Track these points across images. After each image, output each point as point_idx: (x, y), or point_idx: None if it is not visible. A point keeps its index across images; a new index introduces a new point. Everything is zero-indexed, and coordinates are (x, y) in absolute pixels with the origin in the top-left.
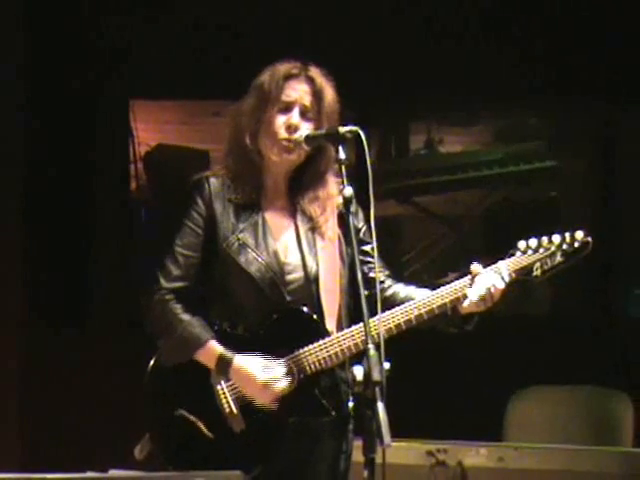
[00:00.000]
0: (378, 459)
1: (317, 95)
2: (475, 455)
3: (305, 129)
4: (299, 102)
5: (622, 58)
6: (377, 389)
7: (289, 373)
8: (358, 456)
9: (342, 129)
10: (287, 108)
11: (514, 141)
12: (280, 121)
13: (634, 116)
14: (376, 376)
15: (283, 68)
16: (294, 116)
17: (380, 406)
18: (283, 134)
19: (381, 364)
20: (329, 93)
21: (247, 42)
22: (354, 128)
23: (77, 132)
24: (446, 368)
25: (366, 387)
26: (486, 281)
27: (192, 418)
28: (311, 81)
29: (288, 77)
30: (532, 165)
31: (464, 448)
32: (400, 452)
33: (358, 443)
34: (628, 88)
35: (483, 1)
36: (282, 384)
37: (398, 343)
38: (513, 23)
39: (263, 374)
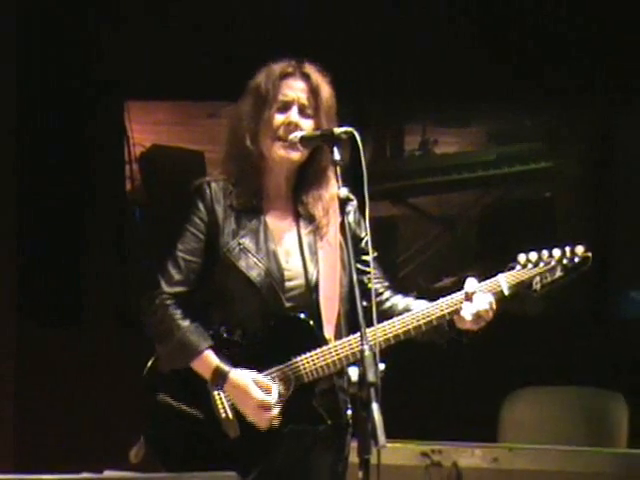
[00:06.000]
0: (373, 460)
1: (314, 92)
2: (470, 456)
3: (305, 126)
4: (296, 101)
5: (618, 58)
6: (372, 390)
7: (285, 381)
8: (353, 457)
9: (337, 130)
10: (285, 107)
11: (509, 142)
12: (279, 120)
13: (630, 116)
14: (371, 377)
15: (278, 67)
16: (293, 114)
17: (375, 407)
18: (283, 133)
19: (376, 365)
20: (325, 89)
21: (243, 43)
22: (349, 129)
23: (72, 132)
24: (441, 369)
25: (361, 388)
26: (480, 301)
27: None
28: (307, 78)
29: (284, 76)
30: (527, 166)
31: (459, 449)
32: (395, 453)
33: (353, 444)
34: (624, 88)
35: (479, 1)
36: (275, 412)
37: (393, 344)
38: (509, 24)
39: (259, 394)
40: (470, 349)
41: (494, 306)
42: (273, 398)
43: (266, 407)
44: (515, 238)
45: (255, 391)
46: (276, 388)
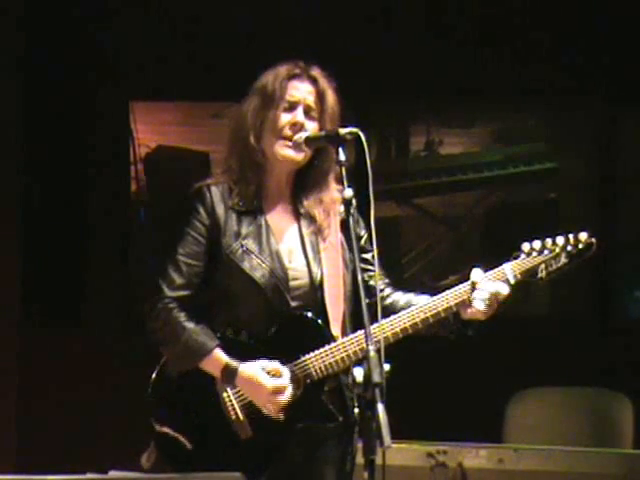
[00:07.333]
0: (378, 460)
1: (320, 95)
2: (475, 456)
3: (309, 128)
4: (302, 101)
5: (621, 58)
6: (377, 390)
7: (295, 379)
8: (358, 457)
9: (342, 131)
10: (291, 107)
11: (514, 142)
12: (285, 120)
13: (633, 117)
14: (376, 377)
15: (286, 68)
16: (299, 114)
17: (380, 407)
18: (288, 132)
19: (381, 365)
20: (330, 94)
21: (247, 44)
22: (354, 130)
23: (77, 133)
24: (446, 369)
25: (366, 389)
26: (490, 287)
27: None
28: (314, 81)
29: (291, 77)
30: (531, 167)
31: (464, 449)
32: (400, 453)
33: (358, 445)
34: (627, 89)
35: (483, 1)
36: (289, 393)
37: (398, 344)
38: (513, 23)
39: (270, 382)
40: (475, 349)
41: (503, 294)
42: (285, 380)
43: (280, 391)
44: (519, 239)
45: (265, 379)
46: (287, 370)
